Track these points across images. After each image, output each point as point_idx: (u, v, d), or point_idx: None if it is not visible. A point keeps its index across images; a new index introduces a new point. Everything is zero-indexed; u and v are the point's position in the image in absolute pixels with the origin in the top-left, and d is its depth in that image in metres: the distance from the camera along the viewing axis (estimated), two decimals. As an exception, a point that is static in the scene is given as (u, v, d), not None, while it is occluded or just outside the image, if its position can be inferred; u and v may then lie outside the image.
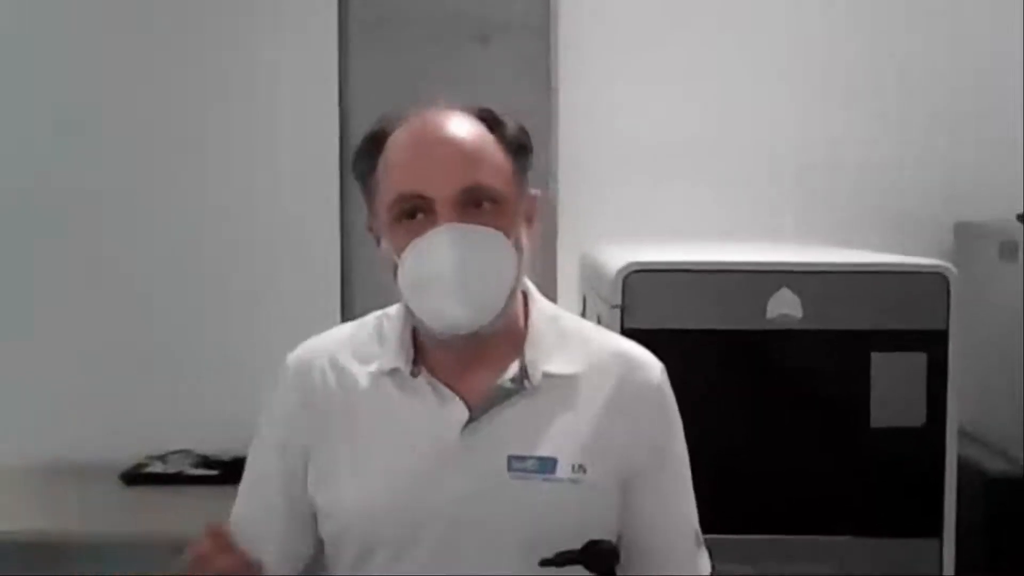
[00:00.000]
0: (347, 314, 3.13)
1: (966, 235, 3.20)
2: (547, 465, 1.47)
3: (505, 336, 1.50)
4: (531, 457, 1.47)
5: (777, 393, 2.38)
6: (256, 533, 1.55)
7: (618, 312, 2.33)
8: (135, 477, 3.07)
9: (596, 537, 1.42)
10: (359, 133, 3.40)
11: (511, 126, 1.52)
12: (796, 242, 3.06)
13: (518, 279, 1.49)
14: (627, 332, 2.28)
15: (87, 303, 3.25)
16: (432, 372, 1.51)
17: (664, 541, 1.56)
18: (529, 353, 1.51)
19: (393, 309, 1.58)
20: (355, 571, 1.49)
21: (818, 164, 3.32)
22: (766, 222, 3.28)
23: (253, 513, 1.60)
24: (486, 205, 1.44)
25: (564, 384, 1.51)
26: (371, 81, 3.22)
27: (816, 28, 3.33)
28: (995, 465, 2.78)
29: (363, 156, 1.51)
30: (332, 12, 3.21)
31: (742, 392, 2.37)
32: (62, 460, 3.15)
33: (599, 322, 2.36)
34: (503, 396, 1.49)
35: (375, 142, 1.50)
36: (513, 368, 1.50)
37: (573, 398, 1.51)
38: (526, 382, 1.49)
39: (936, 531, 2.37)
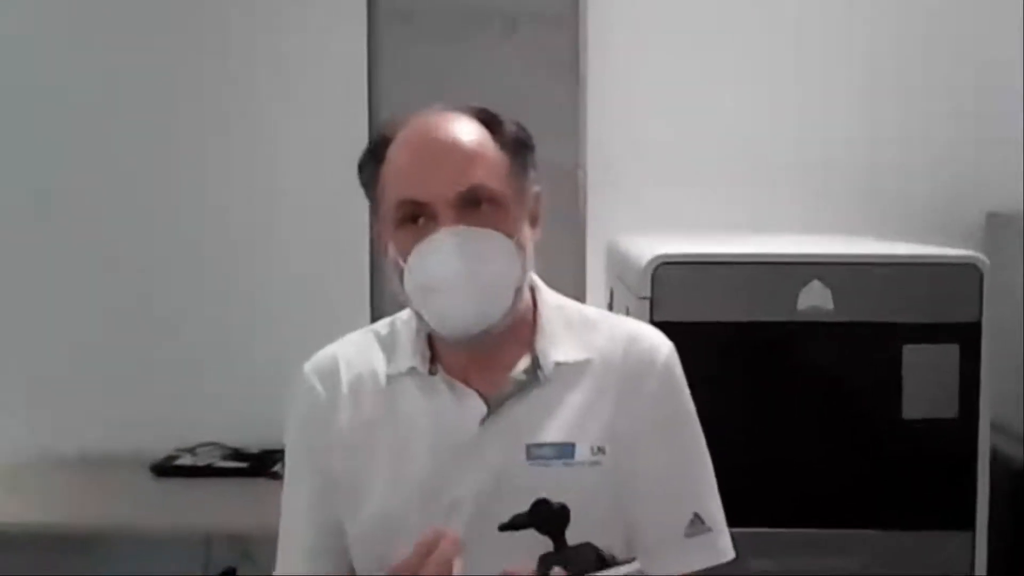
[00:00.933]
0: (376, 309, 3.13)
1: (998, 225, 3.17)
2: (565, 450, 1.48)
3: (515, 330, 1.51)
4: (548, 444, 1.48)
5: (808, 386, 2.37)
6: (308, 563, 1.55)
7: (647, 304, 2.32)
8: (165, 469, 3.09)
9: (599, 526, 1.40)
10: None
11: (508, 124, 1.52)
12: (828, 234, 3.04)
13: (523, 276, 1.50)
14: (656, 324, 2.21)
15: (120, 297, 3.27)
16: (447, 371, 1.52)
17: (651, 520, 1.52)
18: (539, 344, 1.53)
19: (406, 313, 1.60)
20: (381, 570, 1.48)
21: (848, 157, 3.30)
22: (797, 215, 3.26)
23: (297, 535, 1.57)
24: (485, 206, 1.44)
25: (575, 371, 1.53)
26: (400, 73, 3.22)
27: (842, 20, 3.31)
28: (1029, 458, 2.75)
29: (366, 165, 1.53)
30: (361, 4, 3.21)
31: (773, 385, 2.36)
32: (92, 452, 3.19)
33: (627, 314, 2.35)
34: (517, 388, 1.50)
35: (377, 150, 1.51)
36: (525, 360, 1.52)
37: (585, 383, 1.52)
38: (539, 372, 1.51)
39: (968, 525, 2.35)
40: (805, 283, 2.33)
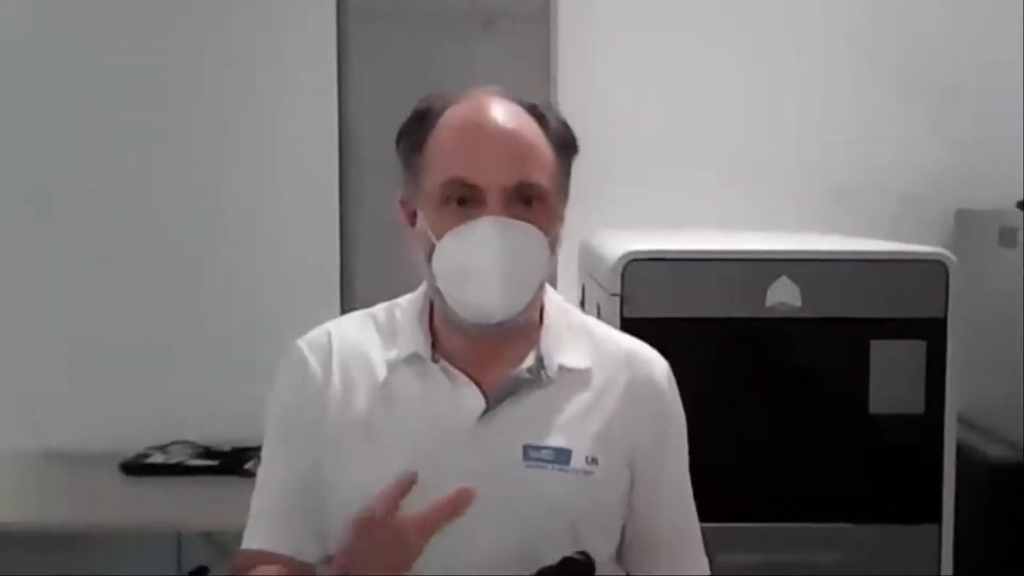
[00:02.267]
0: (346, 307, 3.14)
1: (966, 222, 3.20)
2: (562, 456, 1.47)
3: (523, 327, 1.51)
4: (546, 447, 1.47)
5: (776, 381, 2.39)
6: (273, 533, 1.52)
7: (617, 301, 2.33)
8: (136, 467, 3.07)
9: (593, 532, 1.45)
10: (359, 124, 3.42)
11: (556, 122, 1.51)
12: (795, 231, 3.06)
13: (547, 274, 1.50)
14: (626, 321, 2.28)
15: (89, 294, 3.26)
16: (448, 360, 1.51)
17: (664, 538, 1.57)
18: (545, 345, 1.52)
19: (405, 300, 1.59)
20: None
21: (818, 154, 3.32)
22: (765, 211, 3.28)
23: (269, 511, 1.54)
24: (533, 203, 1.44)
25: (577, 377, 1.52)
26: (370, 71, 3.22)
27: (816, 19, 3.33)
28: (995, 452, 2.79)
29: (410, 132, 1.50)
30: (331, 3, 3.21)
31: (741, 380, 2.38)
32: (62, 450, 3.17)
33: (598, 311, 2.36)
34: (519, 386, 1.50)
35: (423, 119, 1.49)
36: (529, 359, 1.51)
37: (585, 391, 1.52)
38: (543, 373, 1.50)
39: (935, 518, 2.38)
40: (773, 279, 2.34)
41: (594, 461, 1.48)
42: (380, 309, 1.60)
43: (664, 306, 2.34)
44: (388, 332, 1.56)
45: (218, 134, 3.25)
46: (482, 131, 1.45)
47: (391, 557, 1.30)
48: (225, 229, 3.27)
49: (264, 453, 1.58)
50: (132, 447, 3.14)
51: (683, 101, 3.31)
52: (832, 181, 3.32)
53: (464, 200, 1.43)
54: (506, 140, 1.44)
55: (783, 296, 2.34)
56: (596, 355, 1.55)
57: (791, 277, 2.34)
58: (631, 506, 1.53)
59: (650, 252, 2.38)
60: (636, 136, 3.27)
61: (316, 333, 1.58)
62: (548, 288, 1.58)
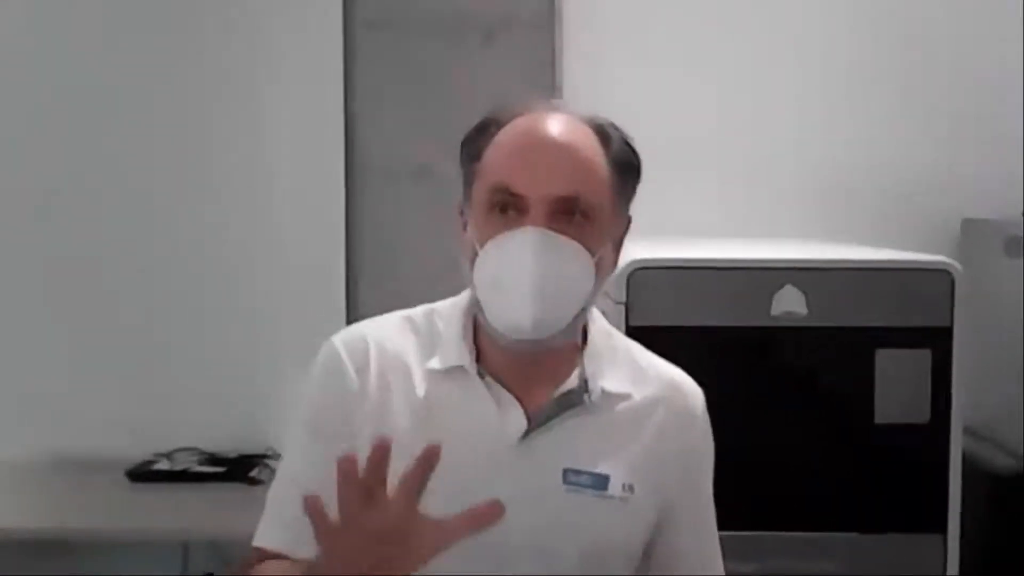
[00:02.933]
0: (352, 314, 3.14)
1: (973, 232, 3.19)
2: (601, 482, 1.46)
3: (567, 348, 1.50)
4: (587, 472, 1.46)
5: (781, 390, 2.38)
6: (286, 533, 1.48)
7: (622, 309, 2.33)
8: (141, 474, 3.07)
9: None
10: (365, 131, 3.42)
11: (620, 142, 1.50)
12: (801, 239, 3.06)
13: (593, 295, 1.47)
14: (631, 329, 2.27)
15: (94, 299, 3.25)
16: (492, 375, 1.49)
17: (683, 569, 1.57)
18: (590, 367, 1.51)
19: (445, 306, 1.56)
20: None
21: (823, 161, 3.32)
22: (771, 220, 3.27)
23: (285, 509, 1.49)
24: (578, 217, 1.41)
25: (618, 402, 1.51)
26: (376, 79, 3.22)
27: (821, 25, 3.32)
28: (1000, 462, 2.77)
29: (471, 141, 1.49)
30: (337, 12, 3.21)
31: (746, 389, 2.36)
32: (68, 457, 3.16)
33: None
34: (562, 408, 1.48)
35: (485, 129, 1.49)
36: (573, 380, 1.49)
37: (626, 417, 1.51)
38: (586, 396, 1.49)
39: (940, 528, 2.37)
40: (779, 288, 2.34)
41: (630, 488, 1.48)
42: (419, 314, 1.57)
43: (669, 314, 2.34)
44: (427, 339, 1.53)
45: (224, 140, 3.25)
46: (535, 141, 1.44)
47: (390, 550, 1.22)
48: (231, 235, 3.26)
49: (288, 449, 1.55)
50: (138, 454, 3.14)
51: (689, 108, 3.30)
52: (838, 189, 3.31)
53: (508, 208, 1.42)
54: (557, 151, 1.43)
55: (788, 305, 2.34)
56: (637, 379, 1.54)
57: (797, 285, 2.34)
58: (661, 538, 1.53)
59: (656, 260, 2.37)
60: (641, 143, 3.23)
61: (352, 336, 1.54)
62: (597, 314, 1.56)
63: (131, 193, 3.25)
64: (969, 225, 3.23)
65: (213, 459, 3.12)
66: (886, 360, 2.35)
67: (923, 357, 2.35)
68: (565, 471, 1.46)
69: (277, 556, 1.48)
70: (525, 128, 1.45)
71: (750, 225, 3.24)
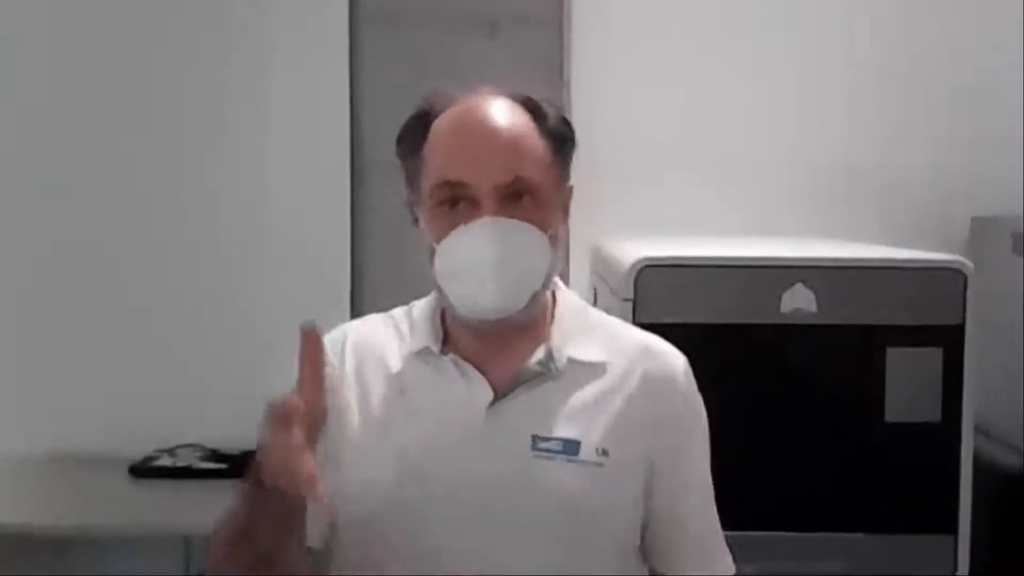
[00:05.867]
0: (356, 311, 3.12)
1: (982, 229, 3.17)
2: (571, 447, 1.47)
3: (532, 324, 1.53)
4: (555, 438, 1.48)
5: (791, 389, 2.36)
6: None
7: (630, 306, 2.32)
8: (144, 470, 3.06)
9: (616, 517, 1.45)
10: (371, 127, 3.41)
11: (553, 116, 1.52)
12: (809, 237, 3.04)
13: (551, 271, 1.51)
14: (639, 326, 2.25)
15: (96, 294, 3.24)
16: (459, 354, 1.52)
17: (690, 539, 1.57)
18: (555, 339, 1.53)
19: (423, 300, 1.61)
20: (370, 551, 1.47)
21: (832, 159, 3.30)
22: (779, 217, 3.26)
23: None
24: (526, 198, 1.45)
25: (589, 370, 1.53)
26: (382, 75, 3.20)
27: (832, 22, 3.31)
28: (1011, 461, 2.75)
29: (408, 135, 1.52)
30: (342, 6, 3.19)
31: (756, 387, 2.35)
32: (70, 453, 3.16)
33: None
34: (528, 378, 1.50)
35: (420, 122, 1.51)
36: (539, 353, 1.52)
37: (597, 384, 1.52)
38: (552, 365, 1.51)
39: (951, 528, 2.35)
40: (789, 286, 2.32)
41: (604, 453, 1.48)
42: (400, 310, 1.64)
43: (678, 312, 2.32)
44: (404, 330, 1.59)
45: (229, 135, 3.24)
46: (471, 131, 1.47)
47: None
48: (235, 230, 3.25)
49: None
50: (140, 450, 3.13)
51: (697, 105, 3.29)
52: (846, 187, 3.30)
53: (457, 201, 1.45)
54: (495, 139, 1.46)
55: (798, 303, 2.32)
56: (611, 349, 1.55)
57: (807, 284, 2.32)
58: (653, 506, 1.53)
59: (664, 258, 2.36)
60: (649, 140, 3.25)
61: (335, 330, 1.61)
62: (560, 284, 1.59)
63: (134, 189, 3.24)
64: (978, 223, 3.22)
65: (216, 455, 3.11)
66: (897, 359, 2.33)
67: (934, 356, 2.33)
68: (534, 437, 1.47)
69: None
70: (460, 117, 1.48)
71: (757, 223, 3.23)
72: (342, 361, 1.56)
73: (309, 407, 1.30)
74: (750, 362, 2.36)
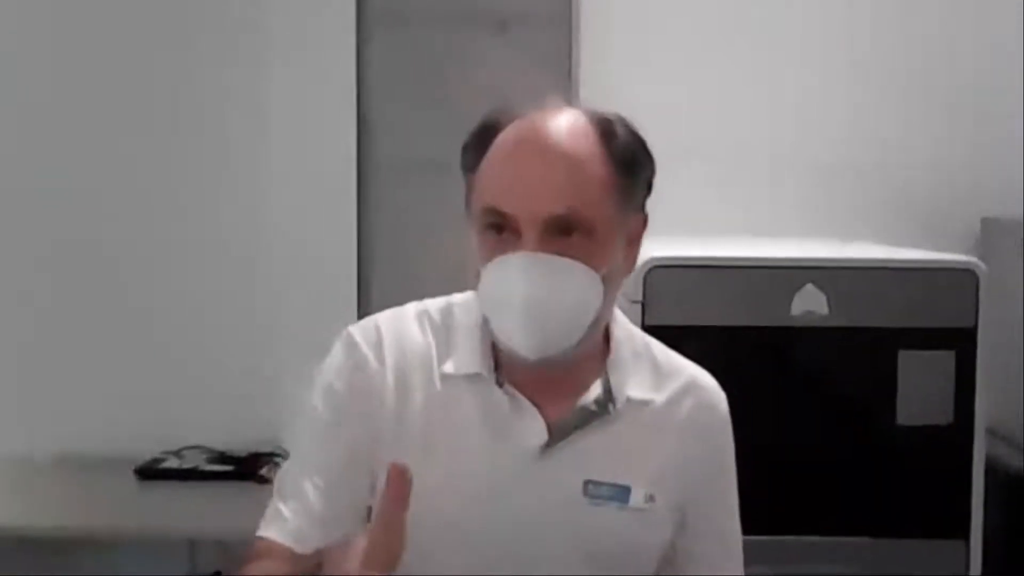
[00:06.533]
0: (363, 312, 3.10)
1: (993, 230, 3.15)
2: (622, 494, 1.42)
3: (587, 355, 1.44)
4: (607, 484, 1.42)
5: (802, 391, 2.35)
6: (292, 524, 1.42)
7: (639, 308, 2.30)
8: (150, 472, 3.04)
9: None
10: (378, 127, 3.40)
11: (624, 138, 1.41)
12: (819, 238, 3.02)
13: (603, 309, 1.39)
14: (648, 328, 2.20)
15: (103, 295, 3.23)
16: (512, 383, 1.43)
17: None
18: (614, 376, 1.45)
19: (461, 299, 1.50)
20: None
21: (842, 160, 3.28)
22: (788, 218, 3.24)
23: (295, 498, 1.44)
24: (576, 234, 1.34)
25: (641, 409, 1.46)
26: (389, 74, 3.19)
27: (843, 21, 3.29)
28: (1019, 463, 2.73)
29: (470, 149, 1.41)
30: (350, 6, 3.18)
31: (766, 390, 2.33)
32: (76, 454, 3.14)
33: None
34: (585, 419, 1.43)
35: (484, 136, 1.40)
36: (596, 389, 1.44)
37: (647, 422, 1.46)
38: (610, 406, 1.44)
39: (963, 532, 2.34)
40: (799, 287, 2.31)
41: (651, 499, 1.44)
42: (435, 309, 1.50)
43: (687, 314, 2.30)
44: (444, 336, 1.47)
45: (235, 134, 3.22)
46: (523, 155, 1.35)
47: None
48: (242, 231, 3.23)
49: (301, 443, 1.48)
50: (147, 452, 3.11)
51: (705, 104, 3.27)
52: (856, 188, 3.28)
53: (502, 229, 1.34)
54: (548, 165, 1.34)
55: (809, 304, 2.30)
56: (659, 382, 1.49)
57: (818, 285, 2.30)
58: (677, 539, 1.49)
59: (673, 259, 2.34)
60: (657, 140, 3.21)
61: (367, 326, 1.48)
62: (618, 313, 1.50)
63: (140, 189, 3.23)
64: (989, 224, 3.19)
65: (222, 457, 3.10)
66: (909, 361, 2.31)
67: (946, 358, 2.32)
68: (586, 483, 1.42)
69: (279, 551, 1.41)
70: (516, 138, 1.37)
71: (767, 223, 3.21)
72: (380, 356, 1.44)
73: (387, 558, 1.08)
74: (760, 365, 2.34)
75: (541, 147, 1.35)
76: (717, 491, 1.53)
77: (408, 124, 3.18)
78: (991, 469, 2.35)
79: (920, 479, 2.34)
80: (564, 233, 1.33)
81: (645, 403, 1.46)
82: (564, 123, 1.37)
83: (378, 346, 1.45)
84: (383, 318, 1.49)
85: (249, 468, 3.00)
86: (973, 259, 2.36)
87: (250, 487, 2.87)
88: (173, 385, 3.20)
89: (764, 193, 3.26)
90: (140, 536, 2.89)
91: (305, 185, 3.20)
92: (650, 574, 1.48)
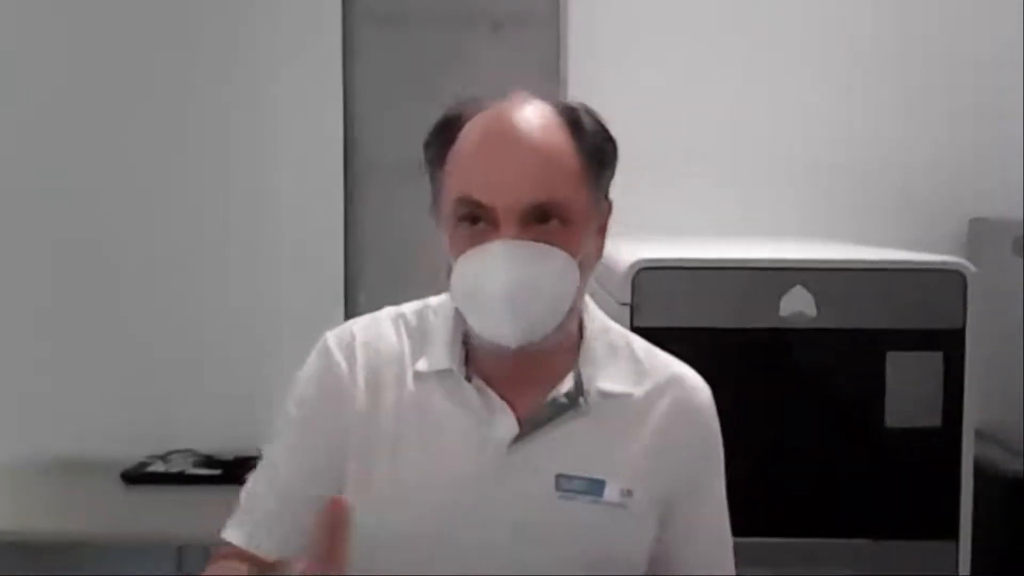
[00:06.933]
0: (350, 313, 3.09)
1: (981, 231, 3.16)
2: (596, 487, 1.41)
3: (560, 347, 1.43)
4: (580, 478, 1.41)
5: (790, 393, 2.34)
6: (256, 528, 1.47)
7: (627, 310, 2.29)
8: (136, 476, 3.04)
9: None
10: (365, 128, 3.39)
11: (591, 128, 1.41)
12: (810, 239, 3.02)
13: (578, 296, 1.40)
14: (637, 330, 2.21)
15: (90, 300, 3.22)
16: (482, 377, 1.43)
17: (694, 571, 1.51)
18: (585, 369, 1.44)
19: (437, 301, 1.50)
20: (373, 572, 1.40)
21: (831, 160, 3.29)
22: (779, 219, 3.24)
23: (260, 501, 1.49)
24: (553, 221, 1.34)
25: (616, 403, 1.45)
26: (376, 75, 3.19)
27: (829, 24, 3.29)
28: (1012, 466, 2.74)
29: (434, 142, 1.41)
30: (336, 6, 3.17)
31: (754, 392, 2.32)
32: (63, 459, 3.14)
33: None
34: (555, 412, 1.42)
35: (448, 128, 1.40)
36: (567, 383, 1.43)
37: (624, 418, 1.45)
38: (581, 400, 1.43)
39: (952, 534, 2.33)
40: (787, 289, 2.30)
41: (628, 493, 1.42)
42: (411, 311, 1.51)
43: (675, 315, 2.29)
44: (419, 338, 1.47)
45: (222, 137, 3.22)
46: (497, 145, 1.35)
47: None
48: (229, 234, 3.23)
49: (272, 446, 1.51)
50: (133, 455, 3.11)
51: (695, 106, 3.27)
52: (844, 189, 3.29)
53: (478, 220, 1.34)
54: (522, 154, 1.34)
55: (798, 306, 2.30)
56: (637, 377, 1.47)
57: (806, 287, 2.30)
58: (664, 542, 1.47)
59: (661, 260, 2.33)
60: (647, 141, 3.22)
61: (342, 329, 1.50)
62: (590, 304, 1.50)
63: (129, 193, 3.23)
64: (977, 225, 3.20)
65: (209, 461, 3.10)
66: (897, 363, 2.31)
67: (934, 360, 2.31)
68: (558, 477, 1.41)
69: (241, 555, 1.45)
70: (486, 128, 1.37)
71: (754, 224, 3.21)
72: (352, 359, 1.45)
73: None
74: (748, 367, 2.33)
75: (514, 136, 1.35)
76: (703, 485, 1.50)
77: (395, 126, 3.18)
78: (980, 470, 2.34)
79: (909, 480, 2.34)
80: (541, 221, 1.34)
81: (622, 397, 1.45)
82: (533, 113, 1.37)
83: (350, 348, 1.46)
84: (359, 322, 1.51)
85: (236, 472, 2.96)
86: (961, 260, 2.35)
87: (237, 491, 2.80)
88: (159, 388, 3.19)
89: (751, 194, 3.28)
90: (127, 541, 2.88)
91: (295, 187, 3.21)
92: (636, 574, 1.46)
